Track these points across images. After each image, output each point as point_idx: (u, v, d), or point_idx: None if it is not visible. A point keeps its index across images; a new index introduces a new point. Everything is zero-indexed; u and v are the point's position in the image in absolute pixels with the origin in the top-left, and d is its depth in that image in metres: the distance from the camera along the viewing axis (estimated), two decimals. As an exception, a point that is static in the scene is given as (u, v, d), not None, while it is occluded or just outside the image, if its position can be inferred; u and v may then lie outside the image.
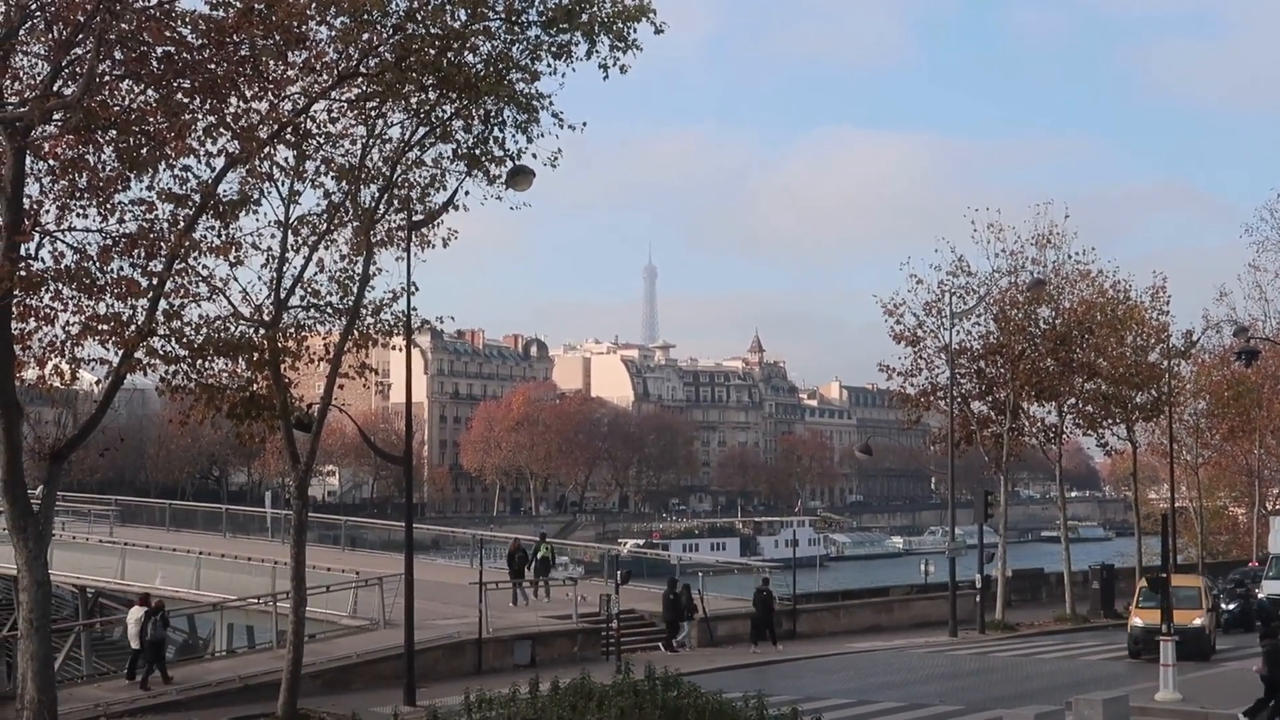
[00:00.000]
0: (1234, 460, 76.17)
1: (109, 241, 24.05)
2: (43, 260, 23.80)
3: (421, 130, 29.45)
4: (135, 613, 34.12)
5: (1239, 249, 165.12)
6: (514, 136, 28.93)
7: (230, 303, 27.76)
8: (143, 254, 24.37)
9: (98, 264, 23.82)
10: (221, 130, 24.63)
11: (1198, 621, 39.44)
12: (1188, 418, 69.10)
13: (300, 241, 29.29)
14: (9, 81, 23.27)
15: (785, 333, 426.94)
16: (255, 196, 27.32)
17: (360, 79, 27.48)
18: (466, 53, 27.91)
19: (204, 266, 26.30)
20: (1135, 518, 64.80)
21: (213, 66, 23.43)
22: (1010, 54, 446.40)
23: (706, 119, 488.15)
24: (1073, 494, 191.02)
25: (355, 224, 29.50)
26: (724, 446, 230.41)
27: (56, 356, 24.18)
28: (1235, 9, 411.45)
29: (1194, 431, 70.66)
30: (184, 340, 25.74)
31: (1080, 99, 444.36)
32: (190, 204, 25.24)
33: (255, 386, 28.19)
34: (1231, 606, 49.29)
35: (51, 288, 23.63)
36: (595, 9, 27.52)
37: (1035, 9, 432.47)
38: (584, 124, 28.83)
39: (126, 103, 23.53)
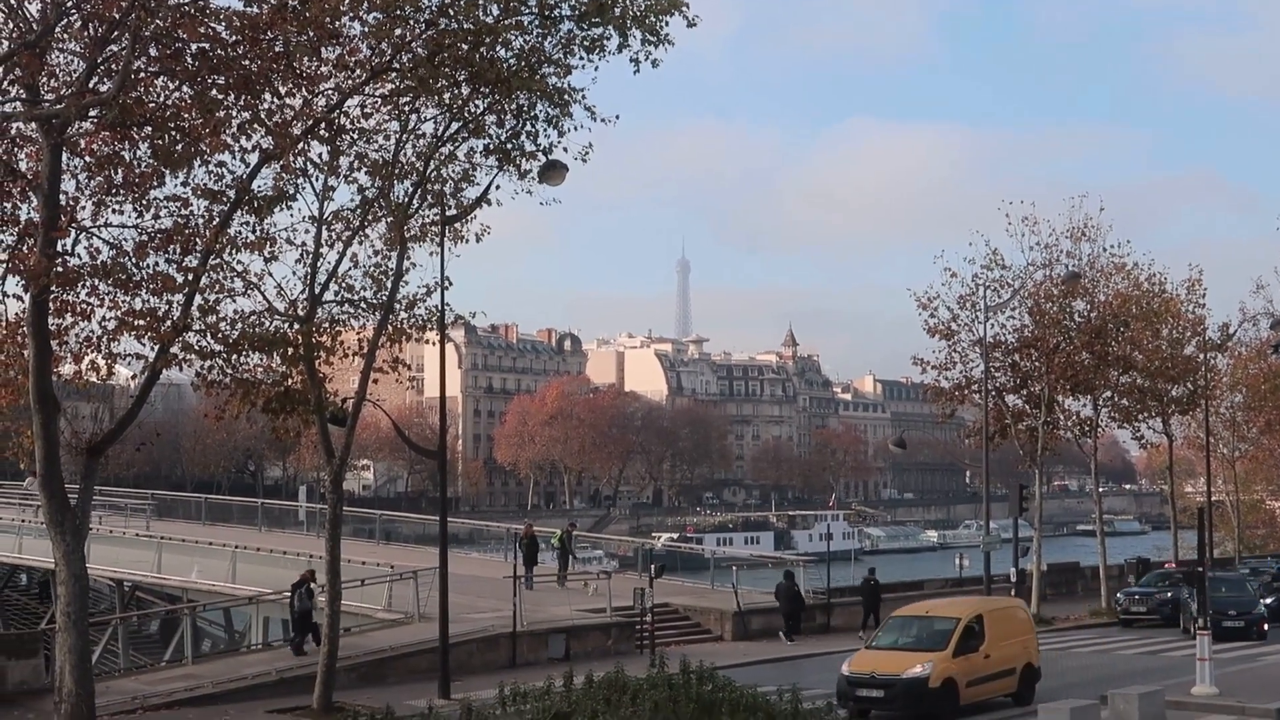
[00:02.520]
0: (1271, 454, 75.77)
1: (145, 237, 24.22)
2: (79, 256, 24.00)
3: (454, 125, 29.51)
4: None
5: (1273, 241, 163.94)
6: (545, 131, 29.01)
7: (265, 298, 27.93)
8: (178, 250, 24.54)
9: (133, 260, 23.98)
10: (256, 126, 24.74)
11: (918, 670, 28.33)
12: (1224, 411, 68.82)
13: (334, 237, 29.42)
14: (45, 79, 23.42)
15: (818, 326, 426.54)
16: (289, 192, 27.46)
17: (393, 74, 27.56)
18: (499, 47, 27.96)
19: (239, 262, 26.49)
20: (1171, 511, 64.50)
21: (247, 63, 23.53)
22: (1034, 46, 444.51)
23: (734, 113, 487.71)
24: (1108, 487, 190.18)
25: (389, 219, 29.60)
26: (758, 440, 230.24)
27: (93, 352, 24.35)
28: (1257, 3, 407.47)
29: (1230, 425, 70.33)
30: (219, 335, 25.88)
31: (1104, 91, 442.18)
32: (225, 200, 25.38)
33: (290, 381, 28.32)
34: (1269, 601, 48.99)
35: (88, 283, 23.80)
36: (627, 2, 27.53)
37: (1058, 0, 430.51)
38: (616, 118, 28.93)
39: (161, 99, 23.65)
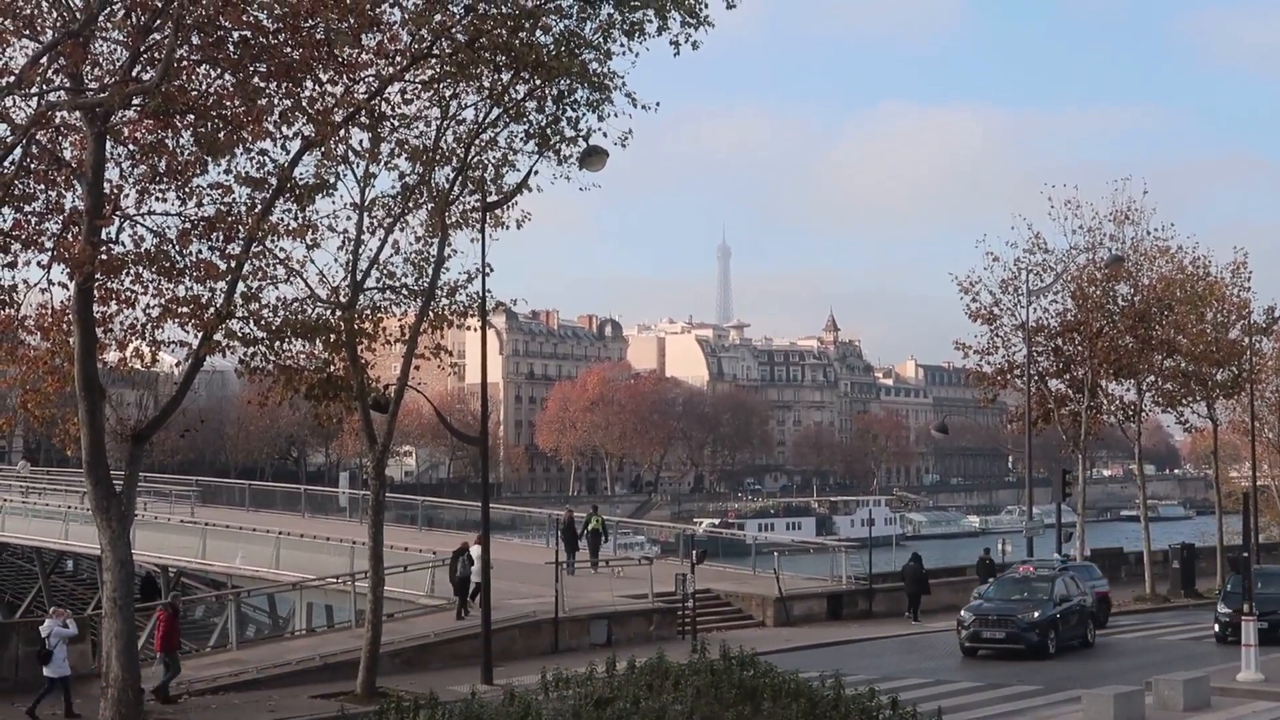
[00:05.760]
0: (1318, 438, 75.04)
1: (188, 225, 24.34)
2: (123, 244, 24.17)
3: (495, 111, 29.53)
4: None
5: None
6: (585, 116, 29.00)
7: (307, 285, 28.09)
8: (221, 237, 24.65)
9: (177, 247, 24.13)
10: (297, 114, 24.80)
11: None
12: (1270, 395, 68.22)
13: (375, 223, 29.53)
14: (89, 68, 23.54)
15: (859, 310, 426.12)
16: (331, 179, 27.54)
17: (433, 61, 27.60)
18: (538, 32, 27.95)
19: (281, 249, 26.63)
20: (1216, 496, 64.07)
21: (288, 50, 23.59)
22: (1066, 27, 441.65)
23: (766, 98, 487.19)
24: (1152, 472, 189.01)
25: (430, 206, 29.66)
26: (799, 426, 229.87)
27: (137, 339, 24.55)
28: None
29: (1276, 409, 69.71)
30: (262, 322, 26.01)
31: (1139, 72, 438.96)
32: (267, 187, 25.47)
33: (333, 368, 28.46)
34: None
35: (132, 271, 23.96)
36: (667, -15, 27.49)
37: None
38: (657, 104, 28.88)
39: (204, 87, 23.75)
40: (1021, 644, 35.46)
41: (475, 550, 37.25)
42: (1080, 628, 37.79)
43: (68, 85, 23.33)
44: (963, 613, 37.15)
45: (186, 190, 24.43)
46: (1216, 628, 37.32)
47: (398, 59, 26.85)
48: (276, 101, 24.24)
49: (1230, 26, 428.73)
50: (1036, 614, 35.93)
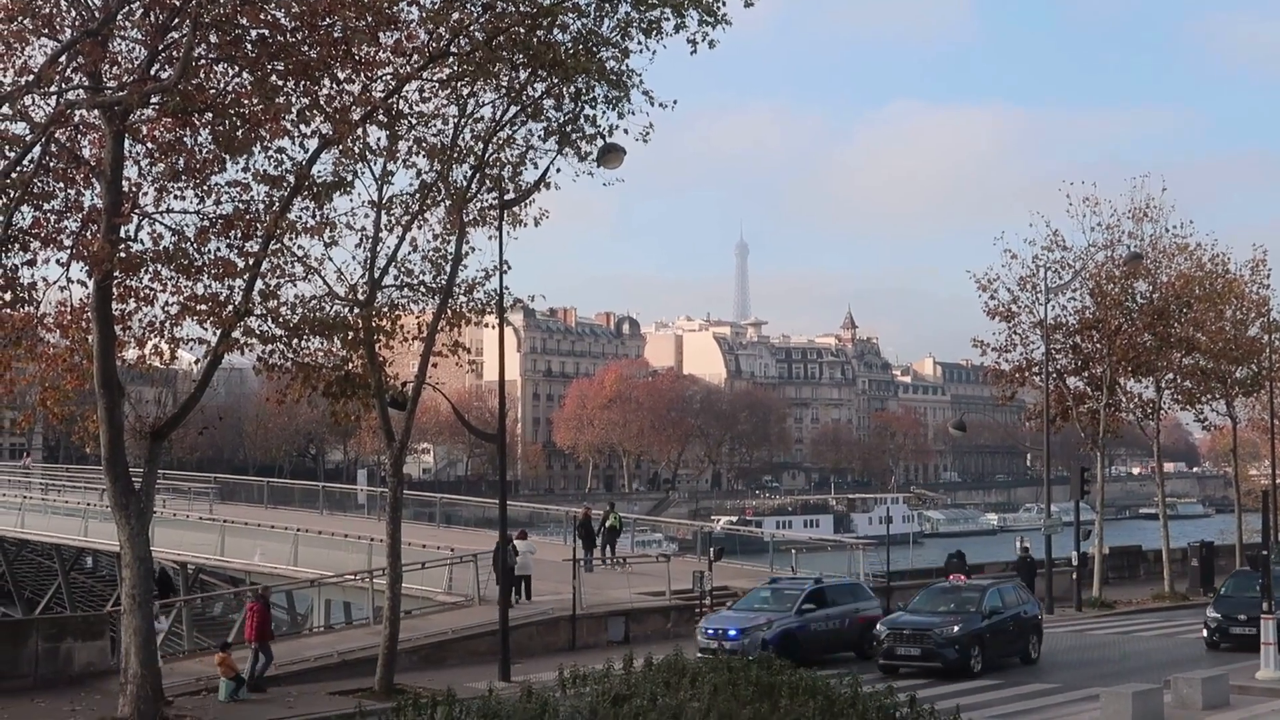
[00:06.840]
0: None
1: (206, 223, 24.42)
2: (142, 242, 24.25)
3: (513, 109, 29.55)
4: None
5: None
6: (604, 114, 29.00)
7: (325, 282, 28.11)
8: (239, 235, 24.73)
9: (195, 245, 24.20)
10: (315, 112, 24.84)
11: None
12: (1289, 393, 67.96)
13: (393, 221, 29.53)
14: (108, 66, 23.63)
15: (877, 308, 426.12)
16: (349, 177, 27.57)
17: (451, 59, 27.61)
18: (556, 30, 27.96)
19: (299, 247, 26.70)
20: (1235, 494, 63.88)
21: (306, 49, 23.64)
22: (1077, 27, 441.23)
23: (779, 96, 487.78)
24: (1171, 470, 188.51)
25: (447, 203, 29.67)
26: (817, 424, 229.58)
27: (156, 336, 24.61)
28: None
29: (1296, 406, 69.45)
30: (280, 320, 26.07)
31: (1151, 70, 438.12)
32: (285, 185, 25.52)
33: (350, 365, 28.49)
34: None
35: (150, 269, 24.05)
36: (685, -17, 27.47)
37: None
38: (674, 102, 28.87)
39: (222, 86, 23.82)
40: (938, 661, 31.85)
41: (520, 544, 37.86)
42: (1018, 642, 34.20)
43: (86, 84, 23.42)
44: (878, 626, 33.52)
45: (205, 188, 24.51)
46: (1205, 632, 37.15)
47: (415, 57, 26.86)
48: (294, 100, 24.29)
49: (1240, 27, 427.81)
50: (957, 628, 32.26)
